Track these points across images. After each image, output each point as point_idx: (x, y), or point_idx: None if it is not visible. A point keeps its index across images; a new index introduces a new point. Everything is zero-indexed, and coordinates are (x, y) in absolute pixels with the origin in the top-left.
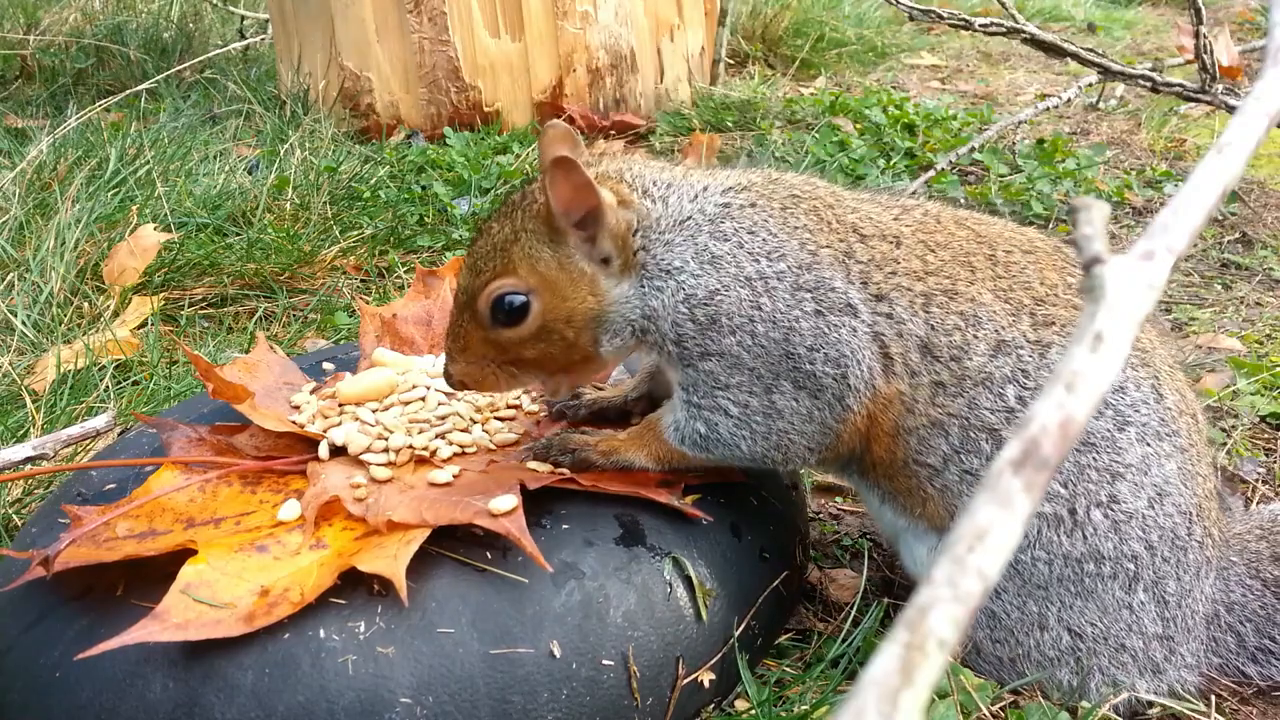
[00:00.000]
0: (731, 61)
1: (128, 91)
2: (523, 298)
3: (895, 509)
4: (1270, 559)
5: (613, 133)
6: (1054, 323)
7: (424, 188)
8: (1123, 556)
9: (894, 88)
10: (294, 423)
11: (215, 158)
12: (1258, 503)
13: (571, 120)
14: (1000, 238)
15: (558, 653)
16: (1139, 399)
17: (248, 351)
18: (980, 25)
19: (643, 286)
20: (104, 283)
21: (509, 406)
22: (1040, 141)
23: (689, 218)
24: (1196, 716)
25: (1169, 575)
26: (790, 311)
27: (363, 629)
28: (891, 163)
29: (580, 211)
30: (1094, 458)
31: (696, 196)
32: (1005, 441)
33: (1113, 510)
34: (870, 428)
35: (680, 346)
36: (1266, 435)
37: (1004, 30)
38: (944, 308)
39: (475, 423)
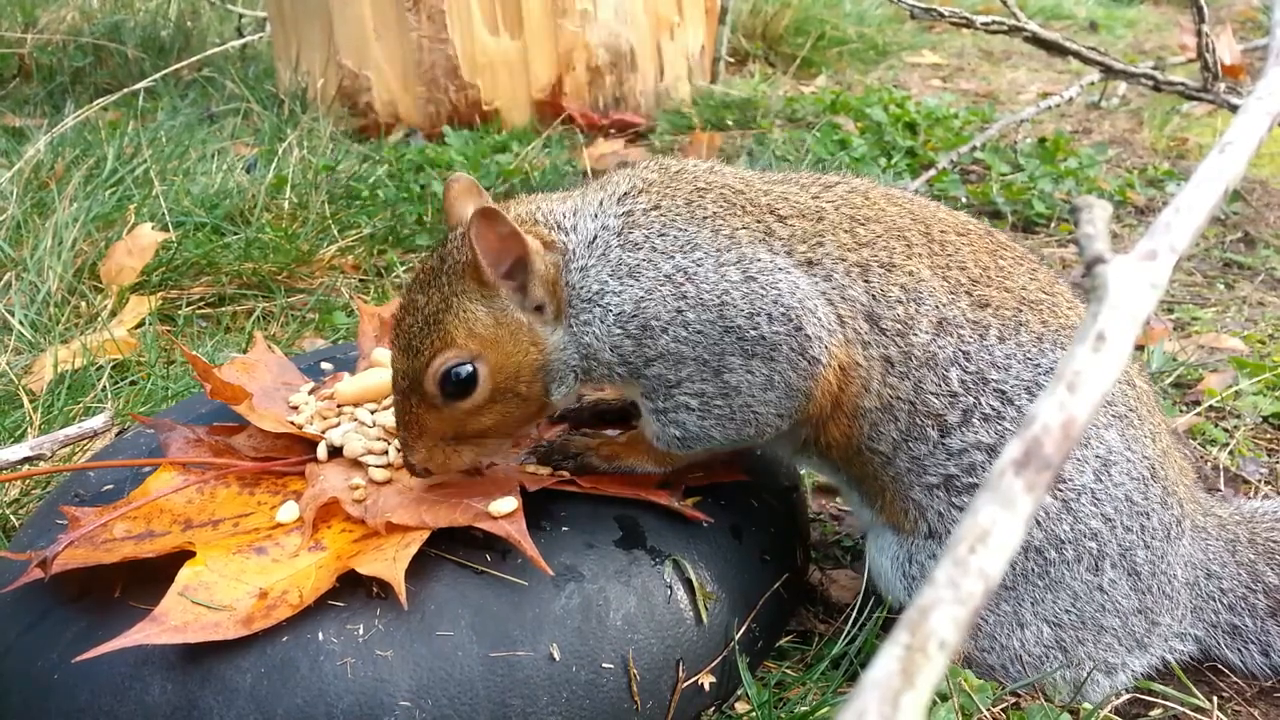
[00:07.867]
0: (732, 60)
1: (125, 90)
2: (469, 366)
3: (862, 498)
4: (1247, 543)
5: (612, 131)
6: (989, 304)
7: (423, 186)
8: (1081, 536)
9: (895, 86)
10: (292, 423)
11: (213, 156)
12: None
13: (571, 119)
14: (934, 217)
15: (557, 656)
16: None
17: (246, 351)
18: (982, 23)
19: (573, 327)
20: (101, 282)
21: None
22: (1042, 140)
23: (595, 236)
24: (1199, 716)
25: (1135, 544)
26: (718, 286)
27: (361, 632)
28: (893, 161)
29: (508, 261)
30: None
31: (597, 213)
32: (949, 428)
33: (1060, 490)
34: (839, 393)
35: (626, 364)
36: (1269, 435)
37: (1006, 28)
38: (883, 279)
39: None
